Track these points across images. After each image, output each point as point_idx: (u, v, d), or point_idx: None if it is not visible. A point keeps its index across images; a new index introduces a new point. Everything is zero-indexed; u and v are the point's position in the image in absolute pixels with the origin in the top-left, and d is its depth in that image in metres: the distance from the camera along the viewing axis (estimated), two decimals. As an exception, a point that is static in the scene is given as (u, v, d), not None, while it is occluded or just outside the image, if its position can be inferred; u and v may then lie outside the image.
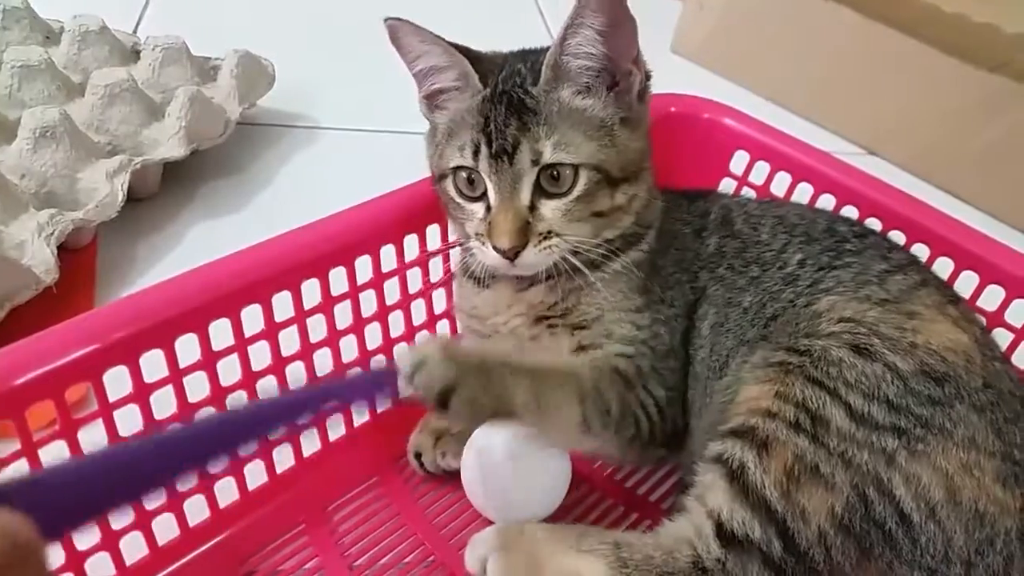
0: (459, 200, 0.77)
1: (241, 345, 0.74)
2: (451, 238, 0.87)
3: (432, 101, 0.80)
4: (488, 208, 0.74)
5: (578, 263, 0.75)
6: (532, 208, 0.73)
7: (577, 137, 0.72)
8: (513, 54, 0.80)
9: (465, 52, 0.76)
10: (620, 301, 0.79)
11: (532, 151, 0.71)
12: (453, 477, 0.82)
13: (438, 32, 0.74)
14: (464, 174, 0.75)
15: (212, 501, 0.77)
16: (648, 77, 0.78)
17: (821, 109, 1.59)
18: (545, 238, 0.73)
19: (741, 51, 1.72)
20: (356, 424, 0.87)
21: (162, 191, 1.25)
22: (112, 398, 0.68)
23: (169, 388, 0.70)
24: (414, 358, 0.64)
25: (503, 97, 0.73)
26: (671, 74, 1.13)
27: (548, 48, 0.74)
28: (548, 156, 0.71)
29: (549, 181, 0.72)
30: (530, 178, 0.72)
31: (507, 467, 0.75)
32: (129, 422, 0.69)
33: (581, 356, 0.79)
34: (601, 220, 0.76)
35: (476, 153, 0.73)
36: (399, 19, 0.74)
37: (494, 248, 0.73)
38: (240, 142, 1.37)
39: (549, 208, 0.73)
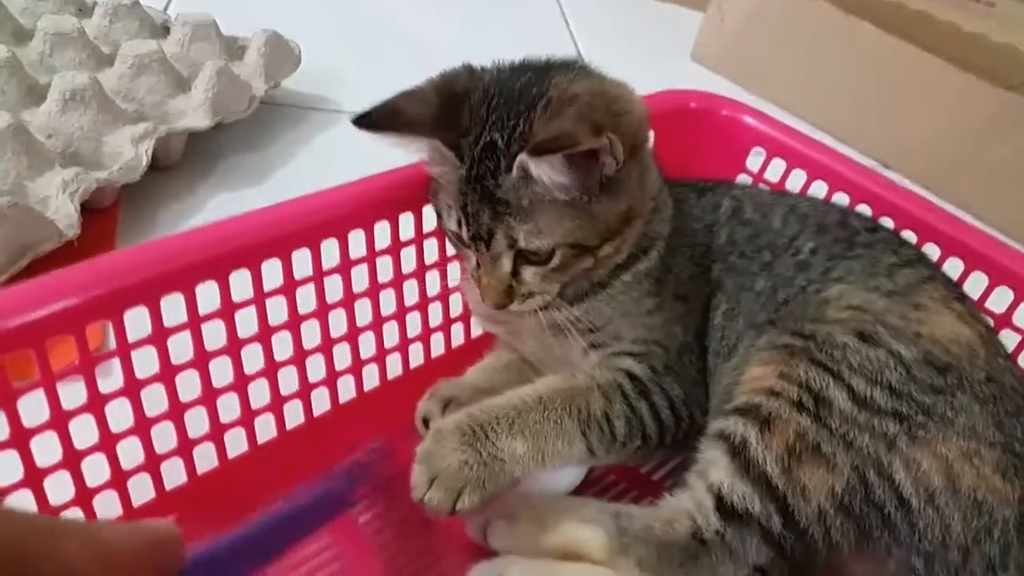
0: (455, 240, 0.78)
1: (259, 298, 0.75)
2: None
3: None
4: (478, 262, 0.75)
5: (565, 303, 0.78)
6: (515, 273, 0.74)
7: (551, 220, 0.71)
8: (502, 102, 0.72)
9: (440, 110, 0.72)
10: (630, 307, 0.80)
11: (507, 237, 0.71)
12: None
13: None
14: None
15: (222, 451, 0.79)
16: (625, 150, 0.70)
17: (837, 122, 1.60)
18: (528, 296, 0.76)
19: (760, 62, 1.74)
20: (366, 388, 0.89)
21: (184, 161, 1.26)
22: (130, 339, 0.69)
23: (187, 334, 0.72)
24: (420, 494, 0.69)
25: (476, 186, 0.71)
26: (690, 82, 1.16)
27: (541, 92, 0.71)
28: (522, 243, 0.71)
29: (530, 253, 0.73)
30: (509, 254, 0.73)
31: None
32: (146, 364, 0.70)
33: (594, 353, 0.80)
34: (588, 271, 0.77)
35: (459, 224, 0.73)
36: (360, 122, 0.71)
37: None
38: (264, 120, 1.39)
39: (530, 273, 0.74)
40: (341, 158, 1.34)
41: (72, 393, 0.67)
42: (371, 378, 0.89)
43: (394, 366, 0.91)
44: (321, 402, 0.85)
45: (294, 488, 0.58)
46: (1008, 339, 0.83)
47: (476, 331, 0.98)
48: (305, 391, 0.83)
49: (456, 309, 0.96)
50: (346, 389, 0.87)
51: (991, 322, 0.83)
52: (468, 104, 0.73)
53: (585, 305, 0.79)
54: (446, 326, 0.95)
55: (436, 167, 0.76)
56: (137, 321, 0.68)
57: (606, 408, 0.74)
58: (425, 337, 0.93)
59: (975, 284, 0.88)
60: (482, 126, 0.71)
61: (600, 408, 0.74)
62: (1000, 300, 0.88)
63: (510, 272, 0.74)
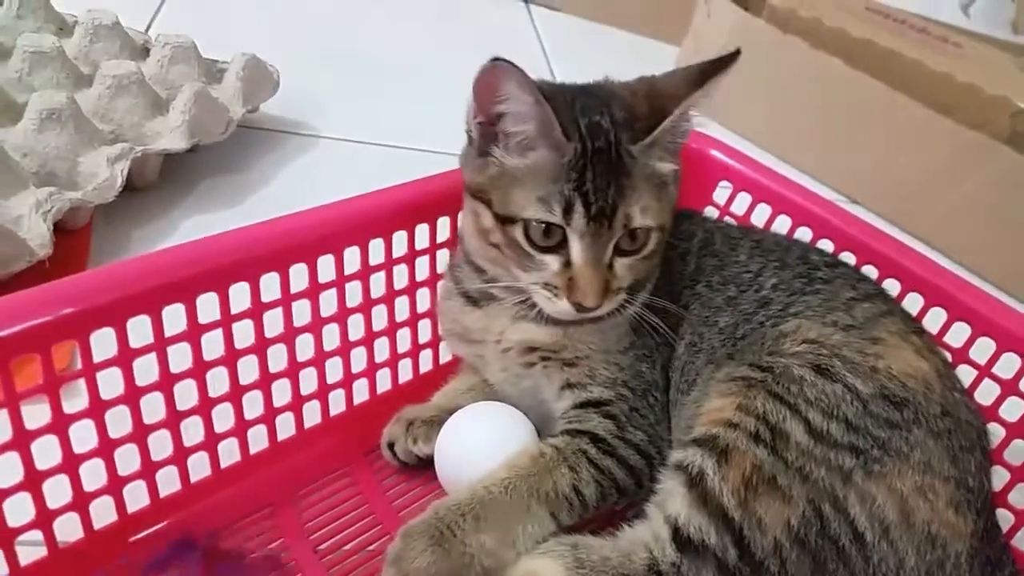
0: (529, 249, 0.74)
1: (226, 321, 0.75)
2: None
3: (497, 138, 0.75)
4: (566, 263, 0.73)
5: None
6: (609, 266, 0.74)
7: (653, 199, 0.73)
8: (579, 96, 0.75)
9: (548, 97, 0.70)
10: (611, 342, 0.81)
11: (625, 216, 0.72)
12: (424, 469, 0.84)
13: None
14: (541, 226, 0.73)
15: (184, 475, 0.78)
16: None
17: (806, 156, 1.63)
18: (616, 293, 0.76)
19: (732, 95, 1.74)
20: (332, 413, 0.89)
21: (161, 183, 1.27)
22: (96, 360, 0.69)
23: (152, 356, 0.72)
24: None
25: (599, 157, 0.70)
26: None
27: (611, 90, 0.76)
28: (637, 221, 0.72)
29: (627, 241, 0.73)
30: (615, 240, 0.73)
31: (475, 440, 0.79)
32: (111, 386, 0.70)
33: (568, 394, 0.81)
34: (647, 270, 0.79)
35: (567, 211, 0.71)
36: (507, 63, 0.69)
37: (574, 304, 0.73)
38: (241, 144, 1.40)
39: (622, 265, 0.75)
40: (317, 182, 1.36)
41: (36, 413, 0.66)
42: (337, 403, 0.89)
43: (361, 392, 0.91)
44: (286, 427, 0.85)
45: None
46: (965, 375, 0.84)
47: (445, 357, 0.98)
48: (270, 415, 0.83)
49: (425, 335, 0.96)
50: (312, 414, 0.87)
51: (949, 356, 0.84)
52: (561, 104, 0.73)
53: (575, 330, 0.80)
54: (414, 352, 0.96)
55: (527, 153, 0.73)
56: (104, 342, 0.68)
57: (574, 481, 0.74)
58: (393, 363, 0.94)
59: (934, 319, 0.89)
60: (571, 111, 0.73)
61: (567, 483, 0.74)
62: (958, 335, 0.89)
63: (608, 264, 0.74)
